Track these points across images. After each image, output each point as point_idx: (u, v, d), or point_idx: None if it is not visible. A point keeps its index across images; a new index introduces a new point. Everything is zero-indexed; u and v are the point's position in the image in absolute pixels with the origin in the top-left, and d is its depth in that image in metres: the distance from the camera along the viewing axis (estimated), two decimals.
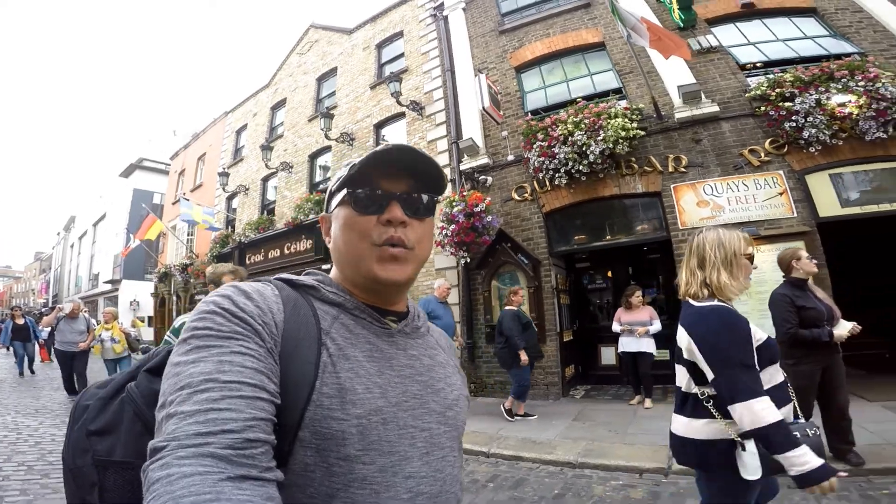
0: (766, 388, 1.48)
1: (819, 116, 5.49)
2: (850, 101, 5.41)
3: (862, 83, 5.46)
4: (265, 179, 12.59)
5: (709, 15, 7.20)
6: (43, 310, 25.86)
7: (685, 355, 1.63)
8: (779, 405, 1.47)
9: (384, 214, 0.66)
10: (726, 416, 1.51)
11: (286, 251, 10.32)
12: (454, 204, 6.56)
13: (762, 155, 5.85)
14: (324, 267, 8.69)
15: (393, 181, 0.67)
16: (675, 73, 6.52)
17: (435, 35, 9.63)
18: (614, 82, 7.35)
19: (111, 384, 0.70)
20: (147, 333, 17.40)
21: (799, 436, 1.44)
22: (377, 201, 0.66)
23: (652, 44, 5.80)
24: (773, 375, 1.57)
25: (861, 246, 7.15)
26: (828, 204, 5.61)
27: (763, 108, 5.86)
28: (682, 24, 6.95)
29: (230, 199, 13.91)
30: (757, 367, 1.48)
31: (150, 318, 19.37)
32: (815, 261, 3.48)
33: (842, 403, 3.26)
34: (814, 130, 5.50)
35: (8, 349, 10.63)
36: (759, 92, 5.95)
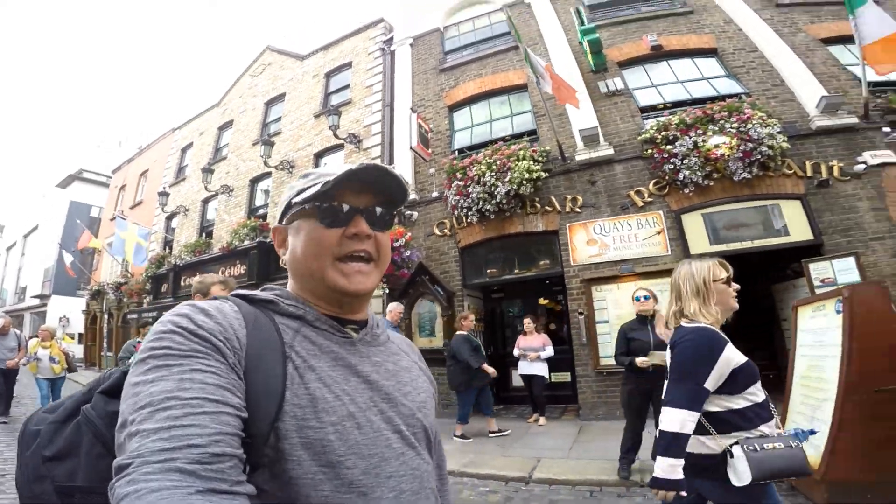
0: (746, 405, 1.64)
1: (694, 158, 6.04)
2: (723, 143, 5.94)
3: (736, 125, 5.96)
4: (206, 201, 12.65)
5: (622, 58, 7.86)
6: None
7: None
8: (760, 421, 1.65)
9: (350, 228, 0.69)
10: (719, 430, 1.65)
11: (221, 275, 10.37)
12: None
13: (646, 196, 6.49)
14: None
15: (357, 196, 0.70)
16: (581, 116, 7.13)
17: (381, 69, 10.16)
18: (531, 124, 8.00)
19: (62, 408, 0.68)
20: (76, 350, 16.65)
21: (781, 446, 1.59)
22: (343, 215, 0.69)
23: (553, 90, 6.47)
24: (754, 395, 1.68)
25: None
26: (699, 242, 6.26)
27: (650, 151, 6.44)
28: (594, 68, 7.68)
29: (169, 218, 13.78)
30: (707, 387, 1.62)
31: (80, 335, 18.52)
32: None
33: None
34: (688, 172, 6.09)
35: None
36: (648, 135, 6.52)
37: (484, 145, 7.81)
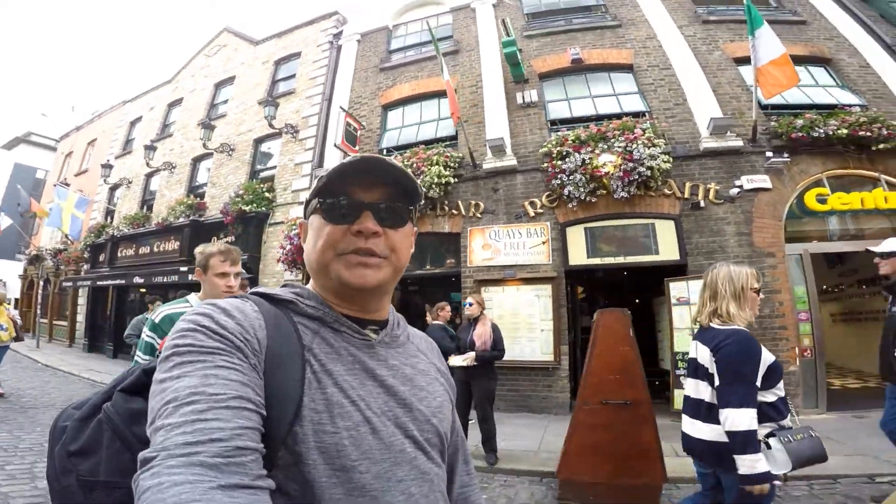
0: (775, 399, 1.78)
1: (580, 175, 6.31)
2: (609, 162, 6.13)
3: (624, 143, 6.13)
4: (149, 175, 12.76)
5: (545, 69, 8.10)
6: None
7: (709, 369, 1.86)
8: (781, 414, 1.79)
9: (355, 225, 0.67)
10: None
11: (155, 250, 10.67)
12: (293, 227, 7.50)
13: (538, 207, 6.91)
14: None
15: (366, 190, 0.69)
16: (493, 126, 7.55)
17: (326, 62, 10.44)
18: (453, 129, 8.19)
19: (87, 404, 0.70)
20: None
21: (805, 436, 1.74)
22: (349, 210, 0.67)
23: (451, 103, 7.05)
24: (780, 390, 1.81)
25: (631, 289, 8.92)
26: (578, 254, 6.73)
27: (545, 165, 6.79)
28: (514, 79, 8.01)
29: (113, 189, 13.81)
30: (758, 384, 1.73)
31: (15, 300, 18.24)
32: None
33: (479, 415, 4.28)
34: (572, 188, 6.45)
35: None
36: (547, 149, 6.79)
37: (409, 146, 8.18)
